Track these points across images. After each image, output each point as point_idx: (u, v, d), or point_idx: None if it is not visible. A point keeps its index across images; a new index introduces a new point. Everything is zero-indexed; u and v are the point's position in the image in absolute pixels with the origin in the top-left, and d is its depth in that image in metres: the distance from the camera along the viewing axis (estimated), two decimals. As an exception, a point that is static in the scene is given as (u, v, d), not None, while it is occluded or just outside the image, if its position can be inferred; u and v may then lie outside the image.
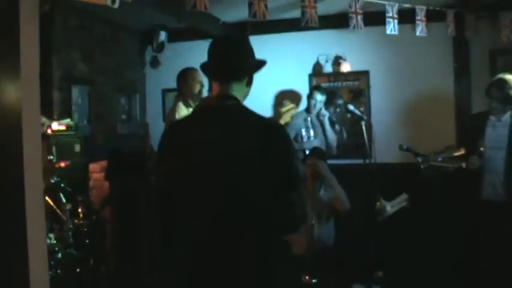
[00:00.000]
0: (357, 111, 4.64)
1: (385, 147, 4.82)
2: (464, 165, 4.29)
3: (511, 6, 5.01)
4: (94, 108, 5.51)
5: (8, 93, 1.76)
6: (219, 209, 2.10)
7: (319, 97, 5.60)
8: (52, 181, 3.85)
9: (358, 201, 4.37)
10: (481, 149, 4.25)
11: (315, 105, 5.60)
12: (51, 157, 4.03)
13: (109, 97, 5.89)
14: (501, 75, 4.30)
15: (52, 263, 3.45)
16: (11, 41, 1.70)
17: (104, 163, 5.35)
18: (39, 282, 1.96)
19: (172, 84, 4.73)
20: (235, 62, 2.25)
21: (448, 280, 4.54)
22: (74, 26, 5.22)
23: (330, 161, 4.57)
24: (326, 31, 5.67)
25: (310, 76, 6.16)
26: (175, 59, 6.10)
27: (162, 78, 6.43)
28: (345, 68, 5.97)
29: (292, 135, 5.37)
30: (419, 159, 4.41)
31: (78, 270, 3.81)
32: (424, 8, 4.83)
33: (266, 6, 3.98)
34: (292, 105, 5.96)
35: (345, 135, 6.06)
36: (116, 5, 2.91)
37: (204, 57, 2.28)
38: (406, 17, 4.86)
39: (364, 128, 4.51)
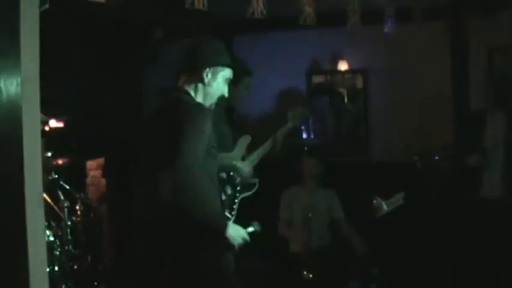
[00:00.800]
0: (353, 110, 4.66)
1: (382, 145, 4.83)
2: (461, 163, 4.31)
3: (510, 5, 5.02)
4: (91, 105, 5.51)
5: (7, 91, 1.76)
6: None
7: None
8: (50, 178, 3.86)
9: (355, 199, 4.39)
10: (483, 146, 4.25)
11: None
12: (49, 154, 4.04)
13: (106, 94, 5.88)
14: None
15: (50, 260, 3.46)
16: (11, 40, 1.71)
17: (101, 160, 5.36)
18: (39, 279, 1.96)
19: (170, 82, 4.73)
20: None
21: (444, 277, 4.56)
22: (71, 23, 5.21)
23: (325, 160, 4.59)
24: (323, 29, 5.67)
25: (307, 74, 6.17)
26: (172, 56, 6.09)
27: (159, 75, 6.42)
28: (342, 66, 5.98)
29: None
30: (416, 158, 4.43)
31: (75, 267, 3.83)
32: (422, 6, 4.83)
33: (264, 4, 3.98)
34: None
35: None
36: (113, 3, 2.91)
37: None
38: (403, 16, 4.87)
39: (360, 126, 4.53)
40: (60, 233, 3.72)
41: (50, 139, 4.19)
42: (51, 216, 3.76)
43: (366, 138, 4.51)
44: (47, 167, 3.86)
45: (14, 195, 1.77)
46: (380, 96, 5.89)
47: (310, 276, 4.11)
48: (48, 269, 3.21)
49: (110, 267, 4.86)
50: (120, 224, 5.23)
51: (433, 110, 5.72)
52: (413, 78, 5.77)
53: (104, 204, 4.93)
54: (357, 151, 5.35)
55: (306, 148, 4.99)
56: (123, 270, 4.86)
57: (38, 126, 1.85)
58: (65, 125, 4.60)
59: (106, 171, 5.34)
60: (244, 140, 3.87)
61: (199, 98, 2.69)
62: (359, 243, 4.36)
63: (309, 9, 4.20)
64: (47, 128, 4.30)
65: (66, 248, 3.73)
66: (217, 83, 2.71)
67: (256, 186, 3.70)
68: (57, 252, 3.62)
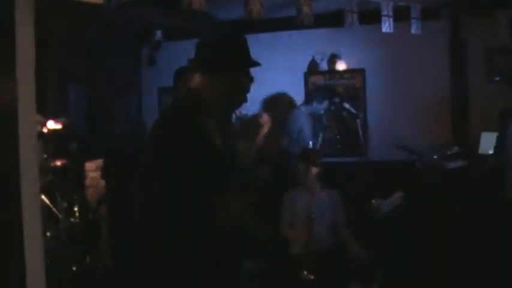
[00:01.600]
0: (352, 110, 4.66)
1: (381, 145, 4.83)
2: (460, 162, 4.29)
3: (508, 5, 5.02)
4: (90, 107, 5.51)
5: (3, 93, 1.76)
6: None
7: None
8: (48, 180, 3.85)
9: (354, 200, 4.38)
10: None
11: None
12: (47, 156, 4.03)
13: (105, 96, 5.88)
14: None
15: (48, 261, 3.46)
16: (6, 40, 1.70)
17: (99, 162, 5.35)
18: (36, 281, 1.96)
19: (169, 82, 4.73)
20: None
21: (447, 278, 4.55)
22: (70, 25, 5.20)
23: (325, 160, 4.58)
24: (321, 29, 5.67)
25: (306, 74, 6.17)
26: (171, 57, 6.10)
27: (158, 76, 6.42)
28: (341, 66, 5.98)
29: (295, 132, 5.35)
30: (415, 157, 4.42)
31: (74, 268, 3.82)
32: (420, 6, 4.83)
33: (262, 5, 3.97)
34: None
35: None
36: (112, 5, 2.91)
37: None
38: (401, 15, 4.86)
39: (359, 126, 4.53)
40: (58, 235, 3.72)
41: (48, 140, 4.18)
42: (50, 217, 3.76)
43: (364, 138, 4.50)
44: (45, 168, 3.85)
45: (10, 194, 1.77)
46: (378, 95, 5.90)
47: (312, 277, 4.10)
48: (45, 270, 3.22)
49: (108, 269, 4.85)
50: (119, 225, 5.23)
51: (431, 109, 5.73)
52: (411, 78, 5.78)
53: (103, 206, 4.92)
54: (355, 151, 5.34)
55: (305, 148, 4.97)
56: (122, 271, 4.85)
57: (34, 128, 1.85)
58: (63, 126, 4.59)
59: (105, 172, 5.33)
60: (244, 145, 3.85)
61: (218, 103, 2.28)
62: (357, 252, 4.34)
63: (306, 10, 4.20)
64: (45, 130, 4.29)
65: (65, 249, 3.72)
66: (242, 86, 2.32)
67: None
68: (56, 254, 3.61)
